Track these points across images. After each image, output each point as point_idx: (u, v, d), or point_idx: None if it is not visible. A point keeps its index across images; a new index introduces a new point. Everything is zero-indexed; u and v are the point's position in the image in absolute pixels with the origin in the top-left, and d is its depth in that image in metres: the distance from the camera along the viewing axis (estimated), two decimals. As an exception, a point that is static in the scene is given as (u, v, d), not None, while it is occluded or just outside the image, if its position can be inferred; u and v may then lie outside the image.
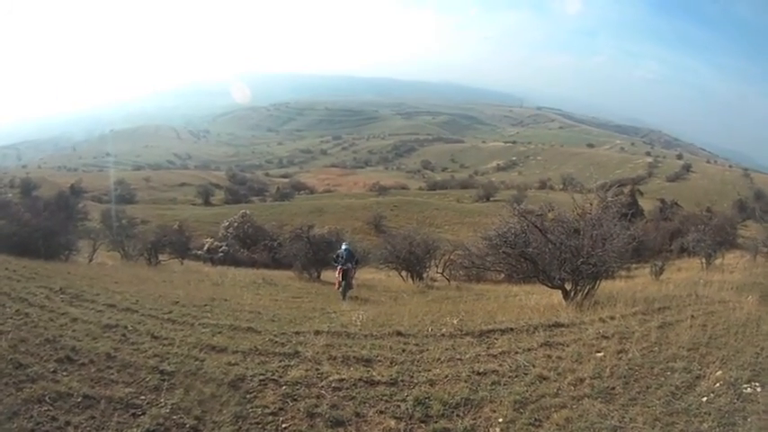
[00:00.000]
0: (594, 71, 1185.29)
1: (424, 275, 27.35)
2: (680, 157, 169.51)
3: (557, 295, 13.77)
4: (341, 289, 19.81)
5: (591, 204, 14.43)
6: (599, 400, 6.81)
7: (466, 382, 7.30)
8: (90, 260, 26.33)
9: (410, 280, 27.17)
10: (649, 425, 6.16)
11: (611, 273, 15.73)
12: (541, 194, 77.60)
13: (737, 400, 6.72)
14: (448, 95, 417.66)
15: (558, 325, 10.35)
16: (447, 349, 8.71)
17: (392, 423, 6.22)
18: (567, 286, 13.38)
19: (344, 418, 6.26)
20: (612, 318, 10.74)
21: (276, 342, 8.77)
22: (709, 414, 6.36)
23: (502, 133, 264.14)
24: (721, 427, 6.10)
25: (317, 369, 7.56)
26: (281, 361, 7.83)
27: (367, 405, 6.63)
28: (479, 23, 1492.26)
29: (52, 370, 6.79)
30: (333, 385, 7.06)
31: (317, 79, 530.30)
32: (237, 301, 14.21)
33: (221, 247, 40.33)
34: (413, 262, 27.35)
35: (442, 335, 9.59)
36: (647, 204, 66.48)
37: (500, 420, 6.30)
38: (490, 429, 6.16)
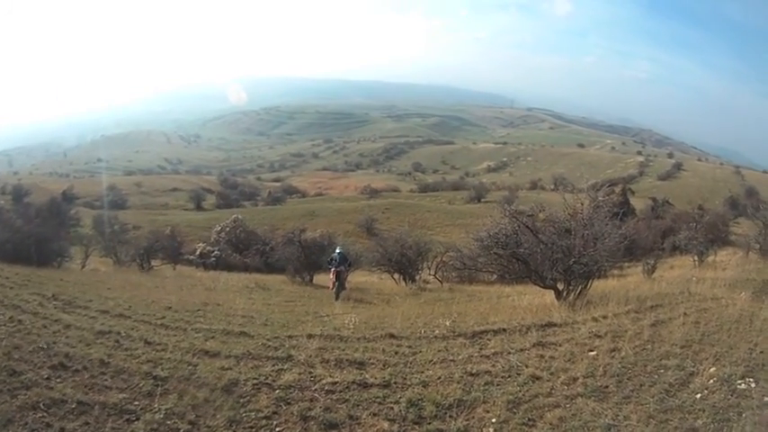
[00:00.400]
0: (585, 71, 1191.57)
1: (417, 278, 27.33)
2: (671, 155, 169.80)
3: (549, 295, 13.79)
4: (334, 290, 20.14)
5: (582, 204, 14.42)
6: (592, 398, 6.82)
7: (459, 383, 7.31)
8: (82, 266, 26.25)
9: (402, 282, 27.15)
10: (643, 422, 6.17)
11: (603, 272, 15.80)
12: (532, 195, 77.79)
13: (731, 396, 6.72)
14: (438, 97, 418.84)
15: (550, 325, 10.38)
16: (440, 351, 8.73)
17: (385, 425, 6.23)
18: (560, 286, 13.41)
19: (338, 421, 6.27)
20: (605, 317, 10.76)
21: (269, 346, 8.78)
22: (704, 411, 6.37)
23: (492, 134, 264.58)
24: (715, 423, 6.10)
25: (311, 372, 7.57)
26: (274, 365, 7.83)
27: (360, 407, 6.63)
28: (469, 25, 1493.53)
29: (46, 377, 6.78)
30: (326, 388, 7.08)
31: (307, 83, 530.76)
32: (230, 305, 14.17)
33: (213, 251, 40.16)
34: (405, 264, 27.33)
35: (435, 336, 9.61)
36: (638, 203, 66.70)
37: (493, 421, 6.31)
38: (483, 430, 6.16)
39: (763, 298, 13.20)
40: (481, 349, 8.85)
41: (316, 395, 6.88)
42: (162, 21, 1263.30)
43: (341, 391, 7.03)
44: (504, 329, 10.01)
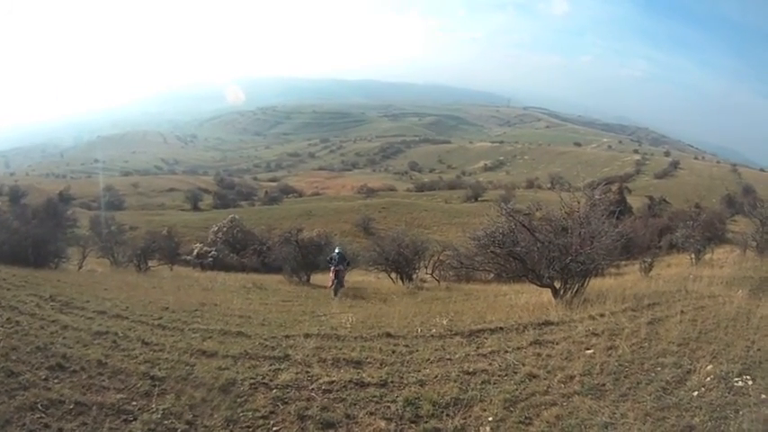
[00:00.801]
0: (582, 70, 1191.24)
1: (414, 277, 27.28)
2: (668, 153, 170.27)
3: (546, 294, 13.80)
4: (333, 287, 20.97)
5: (579, 203, 14.45)
6: (589, 396, 6.84)
7: (456, 381, 7.33)
8: (80, 267, 26.20)
9: (399, 281, 27.11)
10: (640, 420, 6.18)
11: (600, 270, 15.80)
12: (529, 194, 77.63)
13: (729, 393, 6.75)
14: (434, 97, 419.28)
15: (547, 323, 10.40)
16: (437, 350, 8.75)
17: (382, 424, 6.24)
18: (557, 284, 13.42)
19: (335, 420, 6.28)
20: (602, 315, 10.78)
21: (266, 346, 8.78)
22: (701, 408, 6.39)
23: (489, 133, 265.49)
24: (713, 421, 6.11)
25: (308, 372, 7.58)
26: (271, 365, 7.84)
27: (357, 407, 6.64)
28: (466, 25, 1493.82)
29: (44, 377, 6.78)
30: (323, 388, 7.08)
31: (303, 82, 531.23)
32: (227, 305, 14.15)
33: (210, 252, 40.14)
34: (402, 263, 27.31)
35: (432, 335, 9.62)
36: (635, 201, 66.65)
37: (490, 419, 6.32)
38: (480, 428, 6.18)
39: (760, 296, 13.25)
40: (478, 348, 8.87)
41: (313, 394, 6.89)
42: (159, 21, 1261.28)
43: (338, 391, 7.03)
44: (501, 328, 10.04)
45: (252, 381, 7.19)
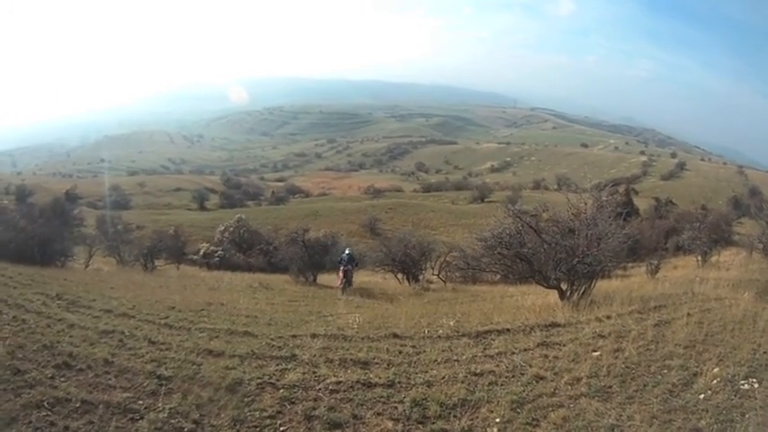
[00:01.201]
0: (588, 71, 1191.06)
1: (420, 277, 27.33)
2: (674, 155, 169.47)
3: (553, 295, 13.77)
4: (342, 285, 21.74)
5: (585, 204, 14.41)
6: (596, 398, 6.83)
7: (463, 382, 7.32)
8: (86, 266, 26.27)
9: (406, 282, 27.12)
10: (647, 423, 6.18)
11: (606, 272, 15.77)
12: (536, 195, 77.54)
13: (735, 396, 6.74)
14: (441, 97, 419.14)
15: (554, 325, 10.37)
16: (444, 351, 8.74)
17: (390, 425, 6.23)
18: (563, 286, 13.38)
19: (342, 421, 6.27)
20: (609, 317, 10.76)
21: (273, 346, 8.78)
22: (707, 411, 6.38)
23: (495, 134, 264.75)
24: (719, 423, 6.11)
25: (315, 372, 7.57)
26: (278, 364, 7.83)
27: (364, 407, 6.64)
28: (472, 25, 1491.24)
29: (50, 376, 6.79)
30: (330, 388, 7.08)
31: (310, 83, 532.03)
32: (234, 305, 14.18)
33: (217, 251, 40.15)
34: (408, 264, 27.33)
35: (439, 336, 9.61)
36: (641, 203, 66.59)
37: (497, 420, 6.32)
38: (487, 430, 6.17)
39: (766, 298, 13.21)
40: (485, 349, 8.86)
41: (320, 395, 6.89)
42: (165, 21, 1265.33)
43: (345, 391, 7.03)
44: (508, 329, 10.02)
45: (259, 380, 7.18)
